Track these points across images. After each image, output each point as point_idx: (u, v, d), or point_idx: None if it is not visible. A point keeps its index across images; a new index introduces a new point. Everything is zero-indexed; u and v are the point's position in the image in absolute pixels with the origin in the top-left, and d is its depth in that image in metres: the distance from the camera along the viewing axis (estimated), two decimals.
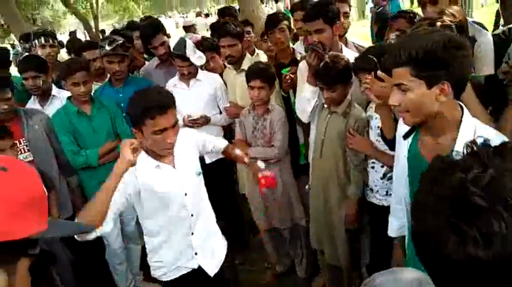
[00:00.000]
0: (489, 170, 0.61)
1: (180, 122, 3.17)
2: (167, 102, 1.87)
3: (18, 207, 0.74)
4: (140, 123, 1.85)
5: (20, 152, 2.68)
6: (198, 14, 17.70)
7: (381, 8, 8.36)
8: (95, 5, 17.43)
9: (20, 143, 2.69)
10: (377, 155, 2.29)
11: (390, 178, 2.27)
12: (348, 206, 2.46)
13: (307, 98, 2.60)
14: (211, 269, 2.18)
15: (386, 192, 2.33)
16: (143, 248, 3.32)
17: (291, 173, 2.90)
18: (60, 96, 3.15)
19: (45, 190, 0.85)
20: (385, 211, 2.29)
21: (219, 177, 3.23)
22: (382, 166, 2.32)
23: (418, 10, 2.77)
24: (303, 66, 2.76)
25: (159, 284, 2.32)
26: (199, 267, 2.14)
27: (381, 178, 2.35)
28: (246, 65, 3.10)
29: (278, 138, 2.75)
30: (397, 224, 1.89)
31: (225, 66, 3.43)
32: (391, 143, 2.04)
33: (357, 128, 2.34)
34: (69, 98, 2.92)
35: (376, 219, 2.38)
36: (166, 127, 1.86)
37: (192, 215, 2.09)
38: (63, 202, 2.85)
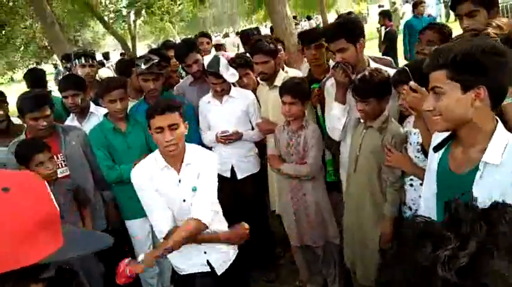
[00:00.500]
0: (469, 246, 0.50)
1: (213, 138, 3.22)
2: (167, 106, 2.12)
3: (26, 230, 0.67)
4: (148, 123, 2.18)
5: (57, 167, 2.76)
6: (226, 35, 18.16)
7: (388, 29, 8.32)
8: (132, 26, 18.07)
9: (58, 158, 2.78)
10: (416, 171, 2.20)
11: None
12: (383, 225, 2.38)
13: (337, 116, 2.59)
14: (219, 266, 2.33)
15: None
16: None
17: (324, 190, 2.85)
18: (97, 113, 3.26)
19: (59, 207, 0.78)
20: None
21: (250, 193, 3.23)
22: (422, 184, 2.23)
23: (455, 24, 2.71)
24: (329, 84, 2.75)
25: None
26: (209, 266, 2.31)
27: (420, 197, 2.26)
28: (278, 81, 3.11)
29: (311, 155, 2.72)
30: None
31: (258, 83, 3.45)
32: None
33: (394, 143, 2.27)
34: (105, 115, 3.01)
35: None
36: (162, 126, 2.10)
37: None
38: (97, 215, 2.92)
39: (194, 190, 2.21)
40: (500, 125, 1.41)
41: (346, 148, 2.70)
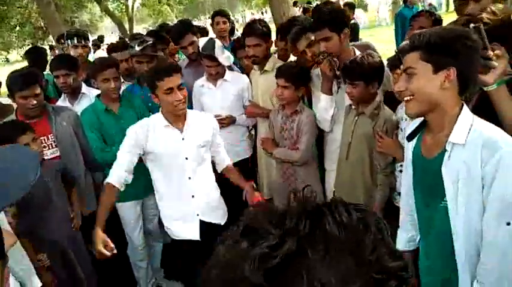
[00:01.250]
0: (286, 244, 0.43)
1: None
2: (172, 68, 2.31)
3: None
4: (154, 87, 2.28)
5: (47, 148, 2.73)
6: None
7: (352, 21, 8.26)
8: (130, 8, 17.87)
9: (48, 139, 2.75)
10: None
11: None
12: (374, 210, 2.36)
13: (324, 107, 2.59)
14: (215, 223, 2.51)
15: None
16: (164, 246, 3.36)
17: (317, 177, 2.83)
18: (89, 94, 3.21)
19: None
20: None
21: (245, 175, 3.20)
22: None
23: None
24: (315, 75, 2.73)
25: (177, 281, 2.40)
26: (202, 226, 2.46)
27: None
28: (269, 66, 3.07)
29: (303, 141, 2.70)
30: (406, 237, 1.83)
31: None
32: None
33: (385, 129, 2.26)
34: (98, 96, 2.96)
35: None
36: (172, 87, 2.25)
37: (189, 178, 2.41)
38: (87, 197, 2.90)
39: (202, 146, 2.45)
40: (465, 108, 1.46)
41: (332, 137, 2.70)
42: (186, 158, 2.40)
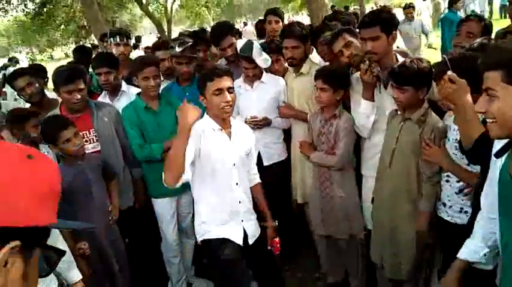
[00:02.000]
0: None
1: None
2: (222, 70, 2.31)
3: (42, 195, 0.74)
4: (203, 87, 2.28)
5: (89, 142, 2.82)
6: (245, 24, 18.07)
7: None
8: (169, 10, 18.25)
9: (90, 134, 2.84)
10: (453, 169, 2.13)
11: (466, 194, 2.11)
12: (419, 221, 2.31)
13: (365, 114, 2.55)
14: (252, 236, 2.46)
15: (461, 209, 2.17)
16: (196, 244, 3.40)
17: (353, 183, 2.79)
18: (129, 92, 3.30)
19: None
20: (457, 228, 2.13)
21: (276, 180, 3.21)
22: (458, 181, 2.15)
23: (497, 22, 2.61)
24: (354, 79, 2.70)
25: (208, 280, 2.41)
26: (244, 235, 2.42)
27: (456, 193, 2.18)
28: (305, 68, 3.06)
29: (341, 146, 2.67)
30: (473, 250, 1.67)
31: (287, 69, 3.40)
32: (471, 156, 1.89)
33: (433, 137, 2.20)
34: (138, 94, 3.03)
35: (447, 237, 2.22)
36: (221, 88, 2.24)
37: (237, 184, 2.38)
38: (125, 191, 2.97)
39: (247, 154, 2.47)
40: None
41: (370, 143, 2.66)
42: (234, 164, 2.37)
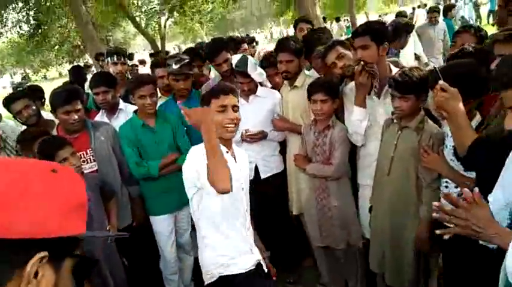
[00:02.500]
0: None
1: (238, 137, 3.22)
2: (229, 88, 2.19)
3: (69, 207, 0.78)
4: (207, 105, 2.13)
5: (86, 162, 2.83)
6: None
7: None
8: (163, 26, 18.38)
9: (87, 154, 2.85)
10: (451, 175, 2.16)
11: (464, 199, 2.12)
12: (420, 227, 2.33)
13: (358, 120, 2.60)
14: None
15: None
16: (196, 260, 3.39)
17: (349, 193, 2.81)
18: (126, 110, 3.33)
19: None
20: (456, 234, 2.14)
21: (274, 192, 3.22)
22: (457, 186, 2.18)
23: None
24: (348, 89, 2.75)
25: None
26: (256, 264, 2.17)
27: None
28: (299, 81, 3.10)
29: (337, 155, 2.70)
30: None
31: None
32: (465, 163, 1.91)
33: (431, 144, 2.23)
34: (135, 111, 3.06)
35: (447, 242, 2.22)
36: (226, 105, 2.11)
37: (246, 210, 2.20)
38: (122, 210, 2.96)
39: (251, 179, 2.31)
40: None
41: (365, 152, 2.69)
42: (243, 189, 2.18)
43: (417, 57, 5.27)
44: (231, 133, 2.12)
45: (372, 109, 2.61)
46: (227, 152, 2.10)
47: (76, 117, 2.76)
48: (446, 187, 2.25)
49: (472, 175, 2.02)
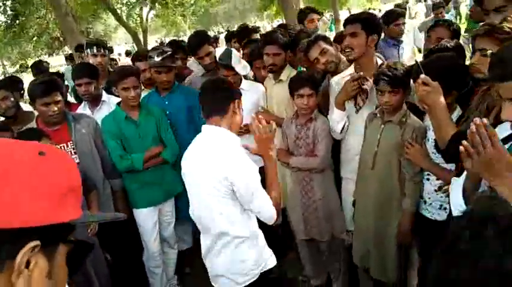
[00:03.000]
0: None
1: None
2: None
3: (59, 191, 0.73)
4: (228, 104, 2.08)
5: None
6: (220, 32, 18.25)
7: None
8: (144, 19, 18.13)
9: (67, 146, 2.80)
10: (432, 168, 2.20)
11: (445, 191, 2.17)
12: (402, 220, 2.36)
13: (336, 120, 2.66)
14: None
15: (440, 206, 2.24)
16: (179, 253, 3.39)
17: (332, 185, 2.84)
18: (109, 102, 3.28)
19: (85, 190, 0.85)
20: (437, 225, 2.19)
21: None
22: (438, 178, 2.23)
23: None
24: (334, 82, 2.77)
25: None
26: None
27: (435, 191, 2.25)
28: (284, 75, 3.11)
29: (321, 147, 2.72)
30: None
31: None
32: (445, 155, 1.95)
33: (415, 137, 2.26)
34: (118, 103, 3.02)
35: (427, 233, 2.28)
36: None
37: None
38: (105, 203, 2.92)
39: None
40: None
41: (348, 146, 2.74)
42: None
43: (420, 51, 5.30)
44: (241, 133, 2.13)
45: (352, 108, 2.66)
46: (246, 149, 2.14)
47: (55, 109, 2.70)
48: (428, 179, 2.29)
49: (453, 167, 2.07)
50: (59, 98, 2.74)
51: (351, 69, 2.71)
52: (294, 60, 3.32)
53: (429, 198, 2.29)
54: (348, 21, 2.60)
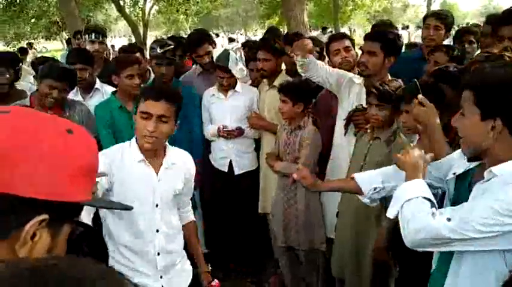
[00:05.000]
0: None
1: (214, 131, 3.22)
2: (162, 91, 1.88)
3: (78, 171, 0.74)
4: (138, 103, 1.90)
5: None
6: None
7: None
8: (147, 13, 18.06)
9: None
10: None
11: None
12: (379, 237, 2.38)
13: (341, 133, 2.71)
14: None
15: None
16: None
17: (317, 196, 2.86)
18: (102, 90, 3.26)
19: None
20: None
21: (245, 189, 3.24)
22: None
23: None
24: (346, 81, 2.75)
25: None
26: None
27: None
28: (278, 82, 3.14)
29: (303, 154, 2.75)
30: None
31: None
32: None
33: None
34: (113, 93, 3.00)
35: (405, 252, 2.29)
36: (151, 113, 1.81)
37: (157, 231, 1.93)
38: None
39: (175, 195, 2.00)
40: None
41: (339, 154, 2.77)
42: (157, 205, 1.94)
43: None
44: (146, 144, 1.86)
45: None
46: (140, 161, 1.90)
47: (56, 95, 2.68)
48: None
49: None
50: (66, 87, 2.73)
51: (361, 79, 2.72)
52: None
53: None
54: (368, 37, 2.60)
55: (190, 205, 2.24)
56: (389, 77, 2.59)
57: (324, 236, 2.86)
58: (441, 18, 3.24)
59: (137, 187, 1.89)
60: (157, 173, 1.93)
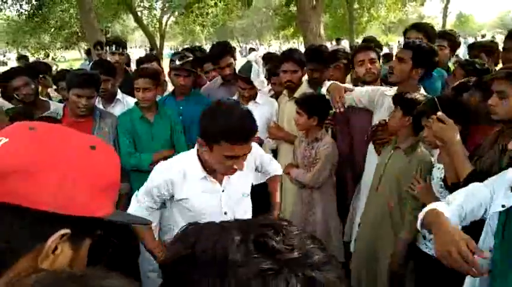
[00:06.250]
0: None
1: None
2: (251, 132, 1.79)
3: (99, 187, 0.76)
4: (214, 142, 1.75)
5: None
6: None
7: None
8: (164, 24, 18.35)
9: None
10: None
11: None
12: (396, 248, 2.36)
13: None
14: None
15: None
16: None
17: (334, 207, 2.87)
18: (123, 101, 3.32)
19: None
20: (435, 262, 2.18)
21: (262, 200, 3.22)
22: None
23: None
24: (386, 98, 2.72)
25: None
26: None
27: None
28: (299, 93, 3.15)
29: (316, 167, 2.77)
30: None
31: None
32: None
33: (419, 170, 2.27)
34: (136, 103, 3.06)
35: (423, 268, 2.27)
36: (239, 155, 1.76)
37: None
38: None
39: (246, 195, 2.09)
40: None
41: (369, 168, 2.74)
42: (225, 213, 2.02)
43: None
44: (229, 174, 1.91)
45: None
46: (203, 178, 1.94)
47: (86, 103, 2.76)
48: None
49: None
50: (93, 94, 2.80)
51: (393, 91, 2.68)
52: (321, 76, 3.34)
53: (430, 234, 2.27)
54: (404, 45, 2.64)
55: (274, 165, 2.42)
56: (423, 91, 2.56)
57: (342, 248, 2.85)
58: (421, 31, 3.21)
59: (202, 201, 1.95)
60: (221, 184, 1.98)
